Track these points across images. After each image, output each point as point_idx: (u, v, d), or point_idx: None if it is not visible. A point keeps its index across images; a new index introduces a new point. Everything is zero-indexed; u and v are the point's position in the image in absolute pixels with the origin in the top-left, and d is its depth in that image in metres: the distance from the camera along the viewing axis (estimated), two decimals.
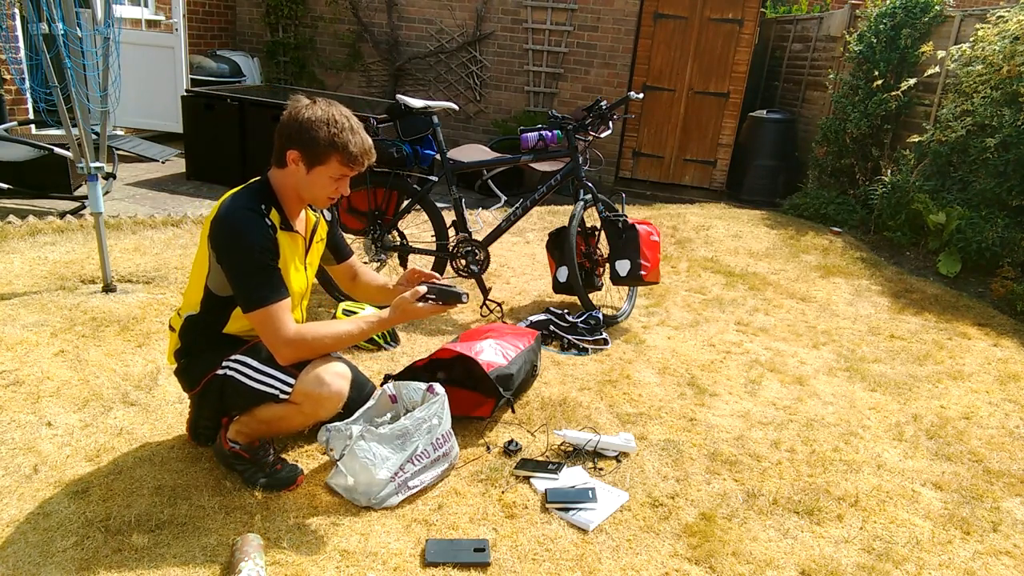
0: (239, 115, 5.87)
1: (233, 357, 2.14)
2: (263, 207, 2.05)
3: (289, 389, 2.08)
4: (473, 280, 3.84)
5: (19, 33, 5.86)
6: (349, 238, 3.94)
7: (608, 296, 4.21)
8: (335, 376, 2.10)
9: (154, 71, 7.04)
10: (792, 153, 7.77)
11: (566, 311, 3.75)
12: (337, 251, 2.48)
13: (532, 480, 2.40)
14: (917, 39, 6.17)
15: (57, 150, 4.76)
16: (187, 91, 6.27)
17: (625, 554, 2.11)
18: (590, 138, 3.79)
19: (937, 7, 6.06)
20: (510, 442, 2.59)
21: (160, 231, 4.68)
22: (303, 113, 2.01)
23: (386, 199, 3.75)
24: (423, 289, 2.13)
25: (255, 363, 2.12)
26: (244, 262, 1.99)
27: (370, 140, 2.11)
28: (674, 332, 3.85)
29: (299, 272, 2.20)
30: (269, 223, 2.04)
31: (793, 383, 3.36)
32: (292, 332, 2.03)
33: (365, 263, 3.85)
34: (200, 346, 2.21)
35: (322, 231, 2.35)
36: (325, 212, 2.37)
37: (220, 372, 2.14)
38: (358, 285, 2.54)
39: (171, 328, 2.27)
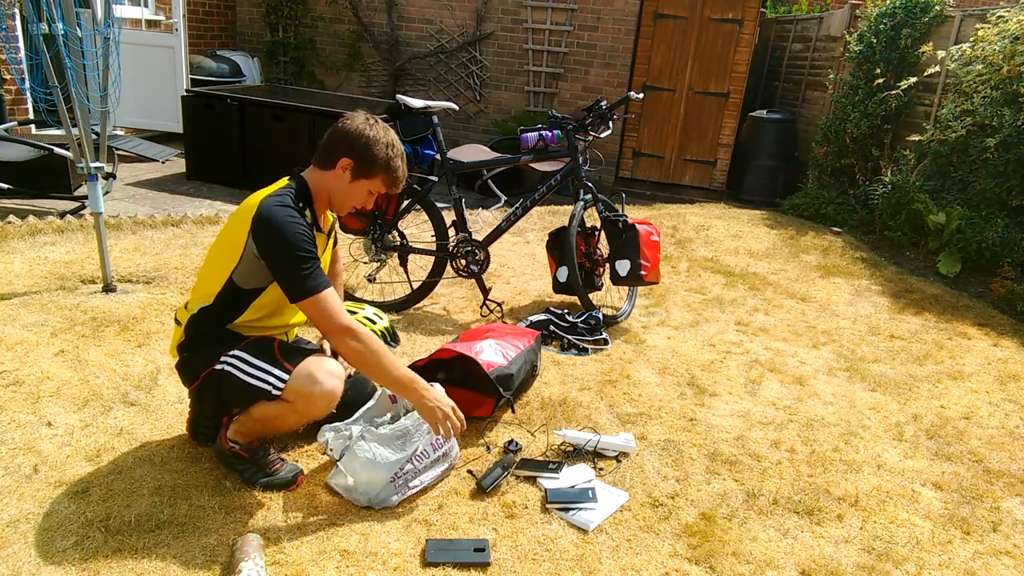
0: (239, 115, 5.87)
1: (231, 352, 2.15)
2: (300, 205, 2.13)
3: (282, 385, 2.08)
4: (473, 280, 3.84)
5: (19, 33, 5.86)
6: (350, 238, 3.95)
7: (608, 296, 4.21)
8: (328, 374, 2.09)
9: (154, 71, 7.04)
10: (792, 153, 7.77)
11: (566, 311, 3.75)
12: None
13: (533, 480, 2.40)
14: (917, 39, 6.17)
15: (57, 150, 4.76)
16: (187, 91, 6.27)
17: (625, 554, 2.11)
18: (590, 138, 3.79)
19: (937, 7, 6.07)
20: (510, 442, 2.59)
21: (160, 231, 4.68)
22: (367, 130, 2.18)
23: (386, 199, 3.75)
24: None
25: (251, 358, 2.13)
26: (295, 256, 2.04)
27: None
28: (674, 332, 3.85)
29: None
30: (308, 221, 2.12)
31: (793, 383, 3.36)
32: (348, 319, 2.08)
33: (365, 263, 3.87)
34: (203, 340, 2.23)
35: (335, 231, 2.45)
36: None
37: (218, 367, 2.15)
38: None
39: (177, 322, 2.29)
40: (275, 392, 2.09)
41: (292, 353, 2.14)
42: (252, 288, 2.17)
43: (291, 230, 2.04)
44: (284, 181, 2.20)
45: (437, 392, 2.20)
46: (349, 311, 3.49)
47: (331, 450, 2.26)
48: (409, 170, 3.67)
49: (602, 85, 7.87)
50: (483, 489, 2.32)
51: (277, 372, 2.09)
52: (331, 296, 2.07)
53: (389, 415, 2.43)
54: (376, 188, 2.23)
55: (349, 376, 2.44)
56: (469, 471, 2.40)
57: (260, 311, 2.23)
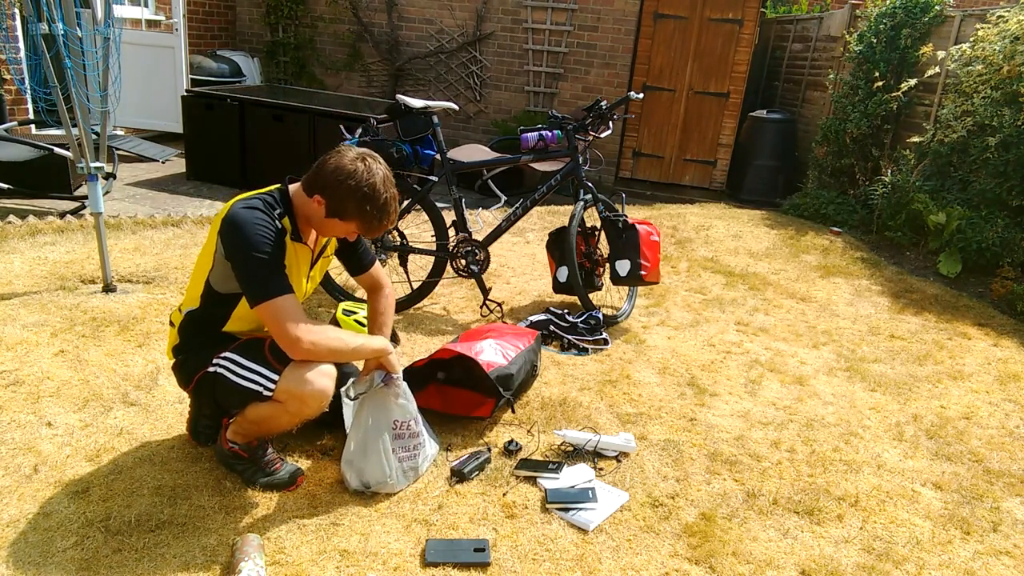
0: (239, 115, 5.87)
1: (223, 354, 2.15)
2: (277, 212, 2.09)
3: (272, 386, 2.08)
4: (473, 280, 3.84)
5: (19, 33, 5.86)
6: None
7: (608, 296, 4.21)
8: (318, 374, 2.09)
9: (154, 71, 7.04)
10: (792, 153, 7.77)
11: (566, 311, 3.75)
12: (352, 263, 2.46)
13: (533, 480, 2.40)
14: (917, 39, 6.17)
15: (57, 150, 4.76)
16: (187, 91, 6.27)
17: (625, 554, 2.11)
18: (590, 138, 3.79)
19: (937, 7, 6.06)
20: (510, 442, 2.59)
21: (160, 231, 4.68)
22: (348, 178, 2.03)
23: None
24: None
25: (242, 360, 2.13)
26: (251, 257, 2.00)
27: (395, 212, 2.15)
28: (674, 332, 3.85)
29: (299, 283, 2.21)
30: (280, 226, 2.08)
31: (793, 383, 3.36)
32: (302, 326, 2.03)
33: None
34: (197, 343, 2.22)
35: (331, 248, 2.39)
36: None
37: (211, 369, 2.15)
38: (371, 300, 2.50)
39: (171, 324, 2.28)
40: (266, 393, 2.09)
41: (283, 353, 2.14)
42: (228, 292, 2.14)
43: (252, 232, 2.00)
44: (269, 188, 2.16)
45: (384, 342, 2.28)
46: (349, 311, 3.51)
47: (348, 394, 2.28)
48: (409, 170, 3.68)
49: (602, 85, 7.87)
50: (463, 475, 2.35)
51: (267, 373, 2.09)
52: (283, 304, 2.00)
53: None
54: (351, 230, 2.14)
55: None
56: (452, 468, 2.41)
57: (243, 323, 2.21)
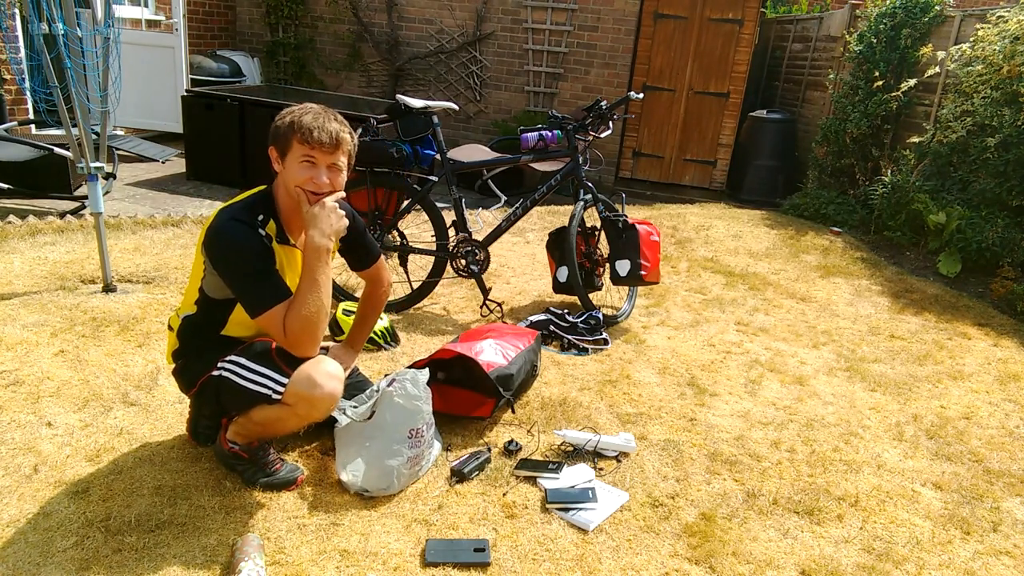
0: (239, 115, 5.87)
1: (228, 358, 2.15)
2: (260, 218, 2.07)
3: (282, 389, 2.07)
4: (473, 280, 3.84)
5: (19, 33, 5.86)
6: None
7: (608, 296, 4.21)
8: (327, 377, 2.08)
9: (154, 71, 7.04)
10: (792, 153, 7.77)
11: (566, 311, 3.75)
12: (355, 258, 2.51)
13: (533, 480, 2.40)
14: (917, 39, 6.17)
15: (57, 150, 4.76)
16: (187, 91, 6.27)
17: (625, 554, 2.11)
18: (590, 138, 3.79)
19: (937, 7, 6.07)
20: (510, 442, 2.59)
21: (160, 231, 4.68)
22: (281, 112, 2.09)
23: (386, 199, 3.75)
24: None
25: (248, 363, 2.12)
26: (241, 270, 2.01)
27: (337, 125, 2.04)
28: (674, 332, 3.85)
29: (292, 285, 2.19)
30: (264, 234, 2.06)
31: (793, 383, 3.36)
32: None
33: None
34: (198, 347, 2.22)
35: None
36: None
37: (215, 373, 2.15)
38: (370, 288, 2.62)
39: (170, 328, 2.28)
40: (275, 396, 2.09)
41: (290, 356, 2.14)
42: (223, 299, 2.14)
43: (236, 246, 2.00)
44: (254, 190, 2.16)
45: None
46: (349, 311, 3.51)
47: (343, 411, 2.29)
48: (409, 170, 3.68)
49: (602, 85, 7.87)
50: (463, 475, 2.36)
51: (276, 376, 2.09)
52: (281, 311, 2.01)
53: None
54: (299, 154, 2.01)
55: (348, 377, 2.43)
56: (452, 468, 2.41)
57: (242, 327, 2.21)
